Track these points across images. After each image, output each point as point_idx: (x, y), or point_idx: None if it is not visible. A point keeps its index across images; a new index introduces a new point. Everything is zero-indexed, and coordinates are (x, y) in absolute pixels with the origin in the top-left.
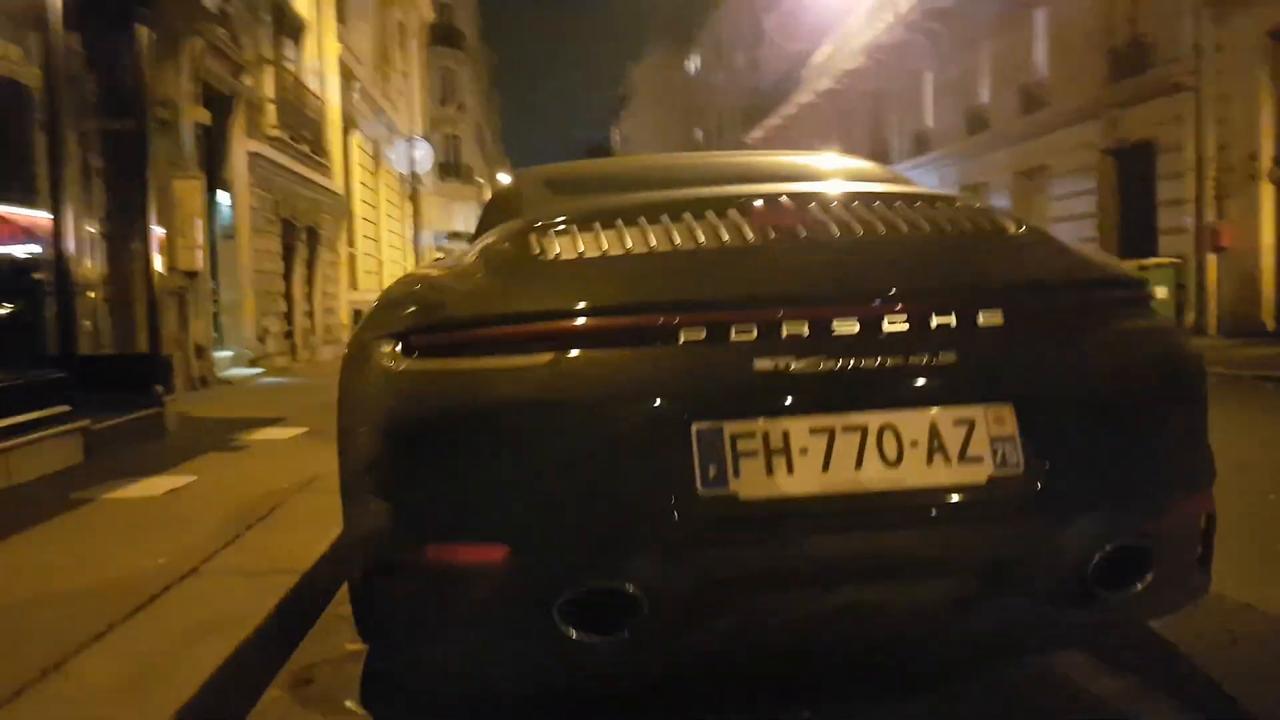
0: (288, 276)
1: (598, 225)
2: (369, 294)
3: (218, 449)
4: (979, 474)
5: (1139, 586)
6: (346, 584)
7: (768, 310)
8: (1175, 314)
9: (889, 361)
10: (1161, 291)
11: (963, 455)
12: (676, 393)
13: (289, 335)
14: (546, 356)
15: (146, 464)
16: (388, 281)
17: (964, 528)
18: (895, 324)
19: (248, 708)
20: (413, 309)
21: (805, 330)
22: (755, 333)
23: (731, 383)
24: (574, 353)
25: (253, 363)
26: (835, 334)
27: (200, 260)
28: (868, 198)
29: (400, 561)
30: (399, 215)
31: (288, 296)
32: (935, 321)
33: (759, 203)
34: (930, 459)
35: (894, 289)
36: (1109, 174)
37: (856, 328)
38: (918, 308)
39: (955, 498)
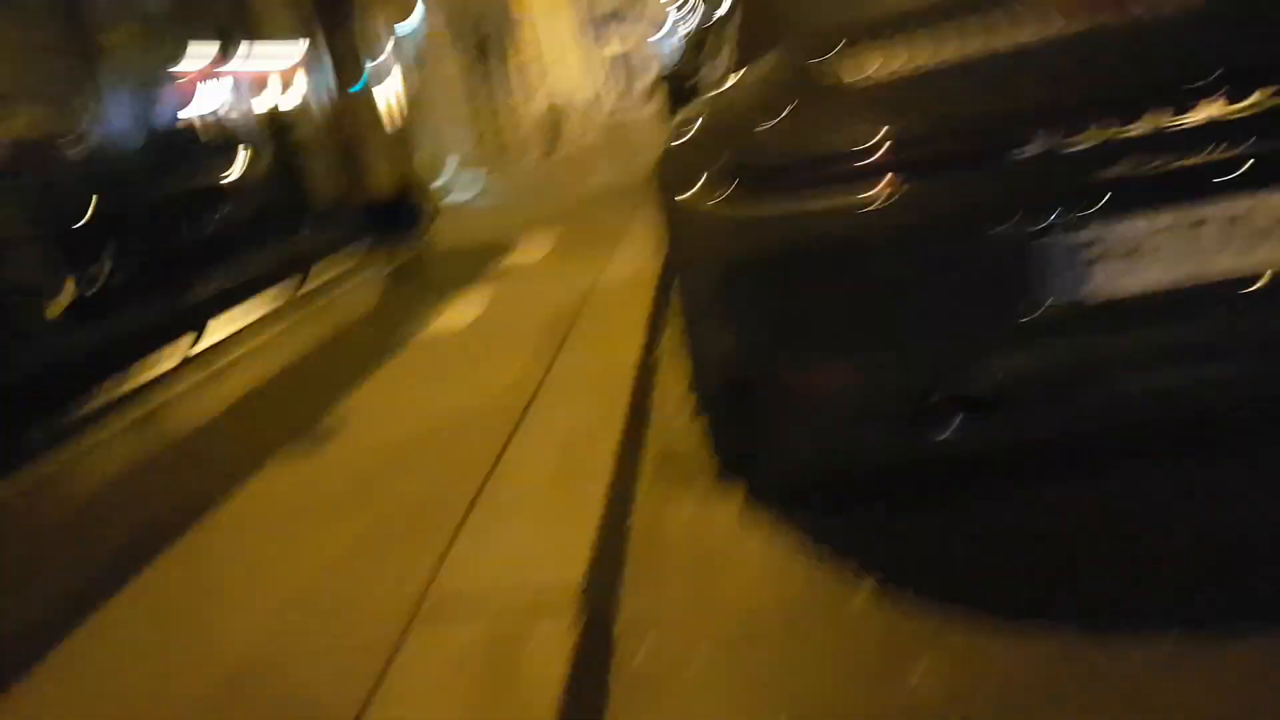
0: (476, 90)
1: (895, 37)
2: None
3: (485, 279)
4: None
5: None
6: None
7: (1105, 115)
8: None
9: (1227, 151)
10: None
11: None
12: (1022, 207)
13: (486, 150)
14: (887, 189)
15: (436, 299)
16: (561, 79)
17: None
18: (1230, 111)
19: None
20: (742, 149)
21: (1143, 129)
22: (1093, 140)
23: (1076, 191)
24: (913, 183)
25: (460, 185)
26: (1168, 129)
27: (404, 92)
28: None
29: (771, 381)
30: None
31: (480, 111)
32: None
33: None
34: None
35: (1226, 70)
36: None
37: (1192, 119)
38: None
39: None
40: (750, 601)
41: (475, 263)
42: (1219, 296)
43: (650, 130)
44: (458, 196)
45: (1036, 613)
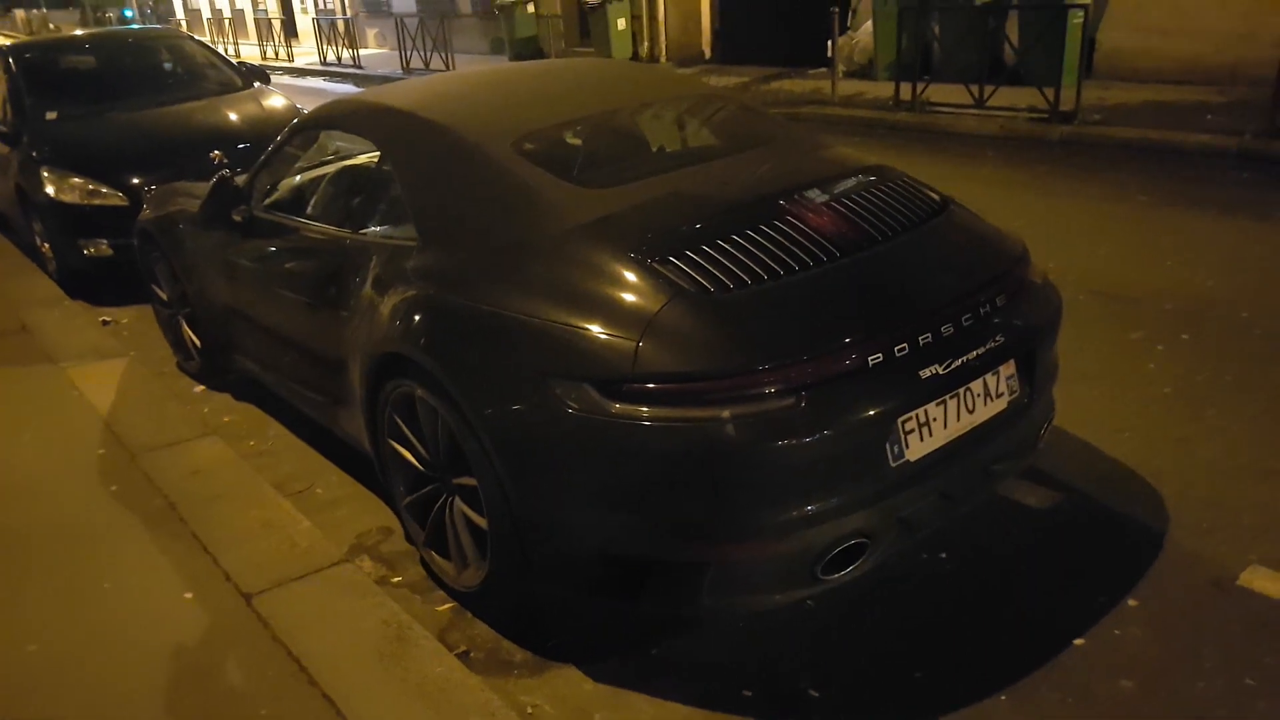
0: None
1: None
2: None
3: None
4: (1005, 402)
5: (1045, 434)
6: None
7: (916, 333)
8: (632, 43)
9: (972, 352)
10: (621, 24)
11: (998, 394)
12: (882, 403)
13: None
14: (789, 401)
15: None
16: None
17: (1002, 431)
18: (970, 324)
19: None
20: (626, 360)
21: (931, 339)
22: (909, 350)
23: (904, 389)
24: (802, 396)
25: None
26: (945, 338)
27: None
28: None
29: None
30: None
31: None
32: (983, 312)
33: (818, 209)
34: (986, 402)
35: (968, 305)
36: None
37: (953, 330)
38: (979, 314)
39: (998, 419)
40: None
41: None
42: (967, 440)
43: None
44: None
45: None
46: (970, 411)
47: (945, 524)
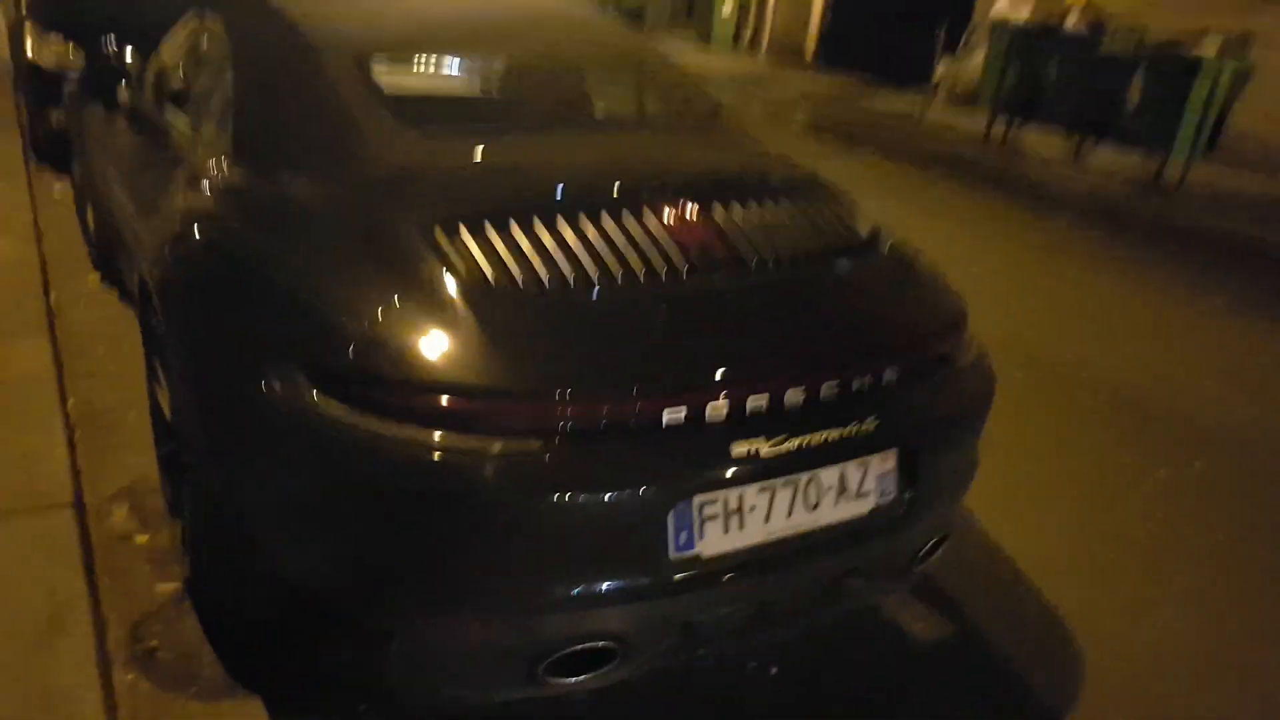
0: None
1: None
2: None
3: None
4: (868, 505)
5: (936, 555)
6: None
7: (745, 394)
8: (734, 30)
9: (825, 433)
10: (726, 9)
11: (860, 493)
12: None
13: None
14: (536, 444)
15: None
16: None
17: (860, 541)
18: (835, 397)
19: None
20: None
21: (766, 404)
22: (728, 412)
23: (709, 461)
24: (562, 440)
25: None
26: (789, 407)
27: None
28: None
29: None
30: None
31: None
32: (857, 386)
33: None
34: (840, 500)
35: (837, 371)
36: None
37: (804, 399)
38: (851, 386)
39: (855, 524)
40: None
41: None
42: (802, 544)
43: None
44: None
45: None
46: (812, 508)
47: (754, 641)
